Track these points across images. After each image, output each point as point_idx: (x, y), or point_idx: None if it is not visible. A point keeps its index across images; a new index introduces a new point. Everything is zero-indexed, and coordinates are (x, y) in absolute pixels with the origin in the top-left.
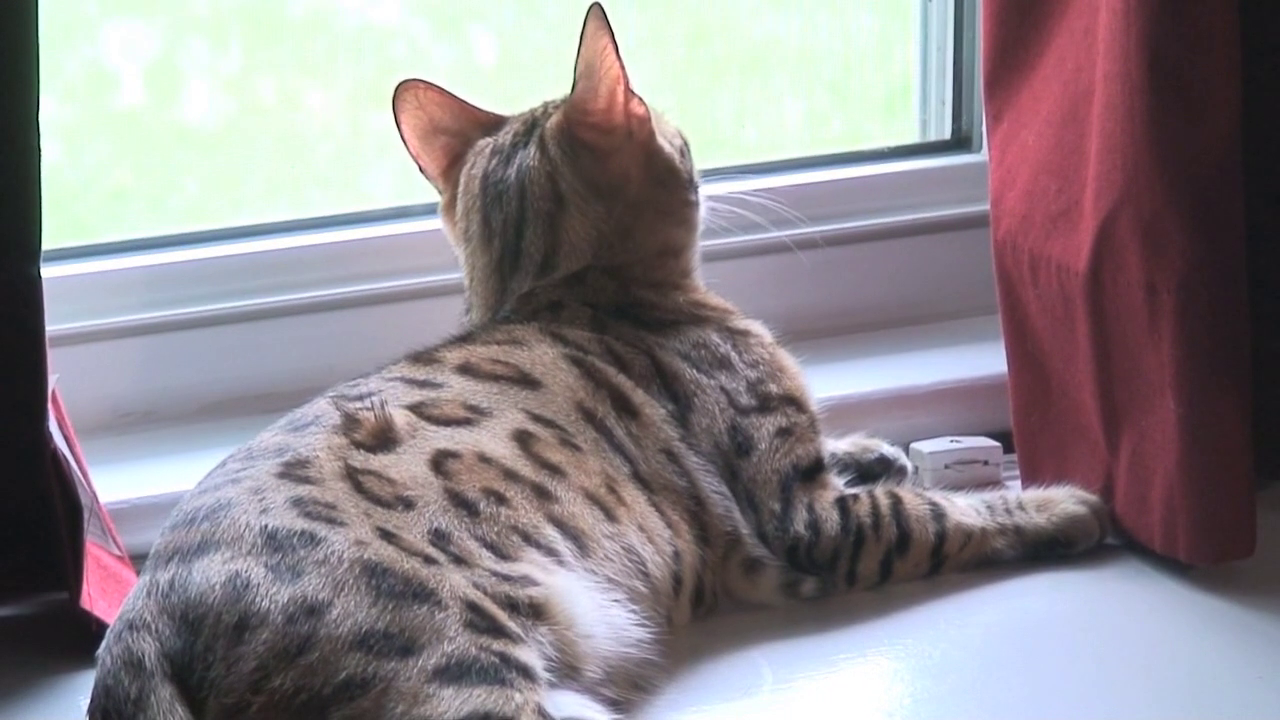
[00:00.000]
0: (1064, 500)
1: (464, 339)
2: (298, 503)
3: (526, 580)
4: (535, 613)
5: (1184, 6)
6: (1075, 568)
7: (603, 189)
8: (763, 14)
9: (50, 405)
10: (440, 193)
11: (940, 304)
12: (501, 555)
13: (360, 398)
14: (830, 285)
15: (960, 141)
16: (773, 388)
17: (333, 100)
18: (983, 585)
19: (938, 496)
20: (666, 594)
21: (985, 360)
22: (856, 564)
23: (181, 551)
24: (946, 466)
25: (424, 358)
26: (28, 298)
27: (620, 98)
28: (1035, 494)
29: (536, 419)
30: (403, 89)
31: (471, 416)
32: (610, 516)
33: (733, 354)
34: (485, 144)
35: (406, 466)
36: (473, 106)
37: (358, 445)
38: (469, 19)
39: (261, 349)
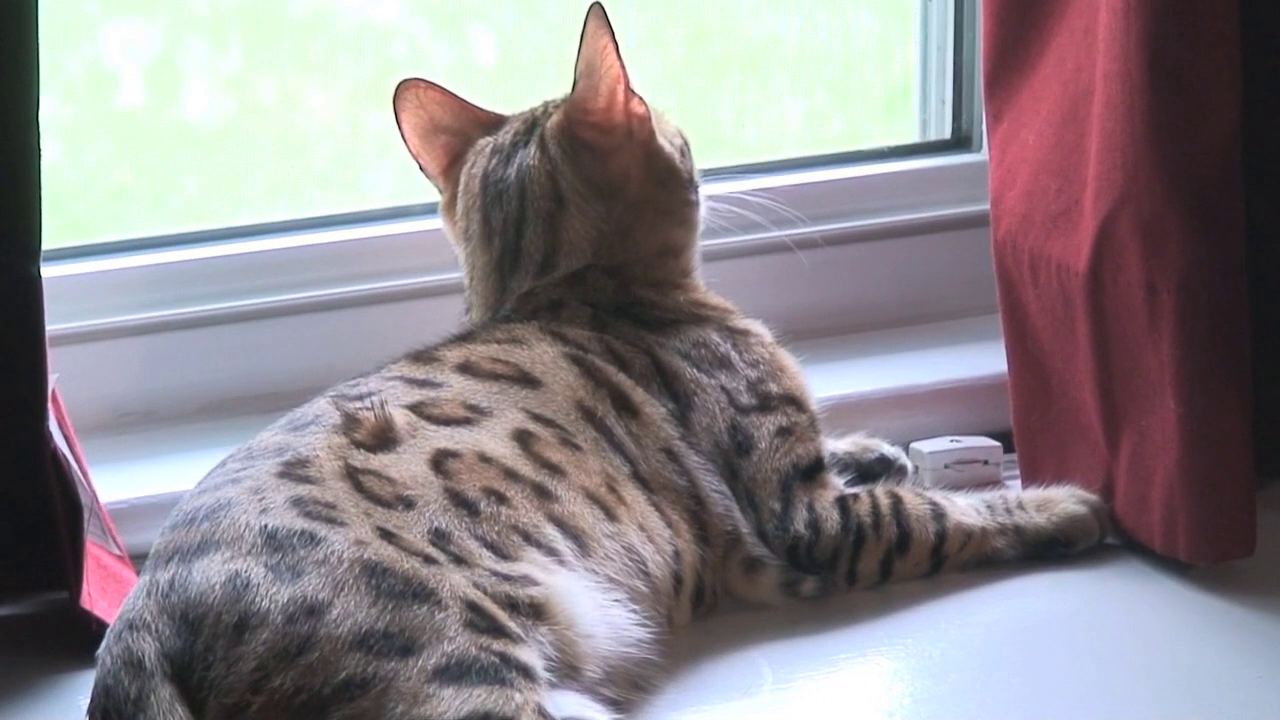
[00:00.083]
0: (1064, 500)
1: (464, 338)
2: (298, 502)
3: (527, 580)
4: (535, 612)
5: (1184, 6)
6: (1075, 568)
7: (603, 188)
8: (763, 14)
9: (50, 405)
10: (440, 192)
11: (940, 304)
12: (502, 555)
13: (360, 397)
14: (830, 285)
15: (960, 141)
16: (773, 387)
17: (333, 100)
18: (983, 585)
19: (938, 496)
20: (667, 593)
21: (985, 360)
22: (857, 563)
23: (181, 551)
24: (946, 466)
25: (424, 357)
26: (28, 297)
27: (620, 97)
28: (1035, 494)
29: (536, 418)
30: (403, 88)
31: (471, 416)
32: (610, 516)
33: (733, 353)
34: (485, 143)
35: (406, 466)
36: (473, 106)
37: (358, 445)
38: (469, 19)
39: (261, 349)
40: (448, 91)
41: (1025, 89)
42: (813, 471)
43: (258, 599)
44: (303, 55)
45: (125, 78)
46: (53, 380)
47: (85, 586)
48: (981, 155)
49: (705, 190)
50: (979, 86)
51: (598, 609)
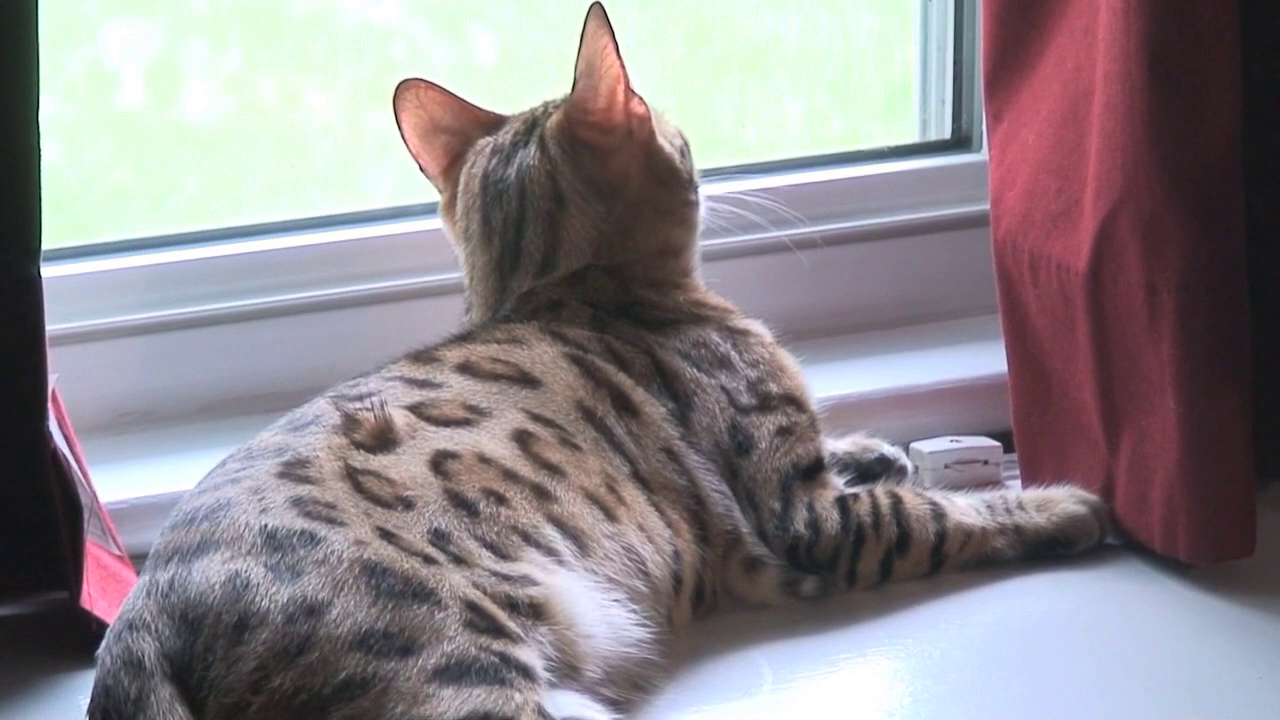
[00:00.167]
0: (1064, 500)
1: (464, 338)
2: (297, 502)
3: (526, 580)
4: (535, 612)
5: (1184, 6)
6: (1075, 568)
7: (603, 188)
8: (763, 14)
9: (50, 405)
10: (440, 192)
11: (940, 304)
12: (501, 555)
13: (360, 398)
14: (830, 285)
15: (960, 141)
16: (773, 387)
17: (333, 100)
18: (983, 585)
19: (938, 496)
20: (666, 593)
21: (985, 360)
22: (857, 563)
23: (181, 551)
24: (946, 466)
25: (424, 357)
26: (28, 297)
27: (620, 97)
28: (1035, 494)
29: (536, 418)
30: (403, 88)
31: (471, 417)
32: (610, 516)
33: (733, 353)
34: (485, 143)
35: (406, 467)
36: (473, 106)
37: (357, 445)
38: (469, 19)
39: (261, 349)
40: (448, 91)
41: (1025, 89)
42: (813, 471)
43: (257, 599)
44: (303, 55)
45: (125, 78)
46: (53, 380)
47: (85, 586)
48: (981, 155)
49: (705, 190)
50: (979, 86)
51: (597, 609)
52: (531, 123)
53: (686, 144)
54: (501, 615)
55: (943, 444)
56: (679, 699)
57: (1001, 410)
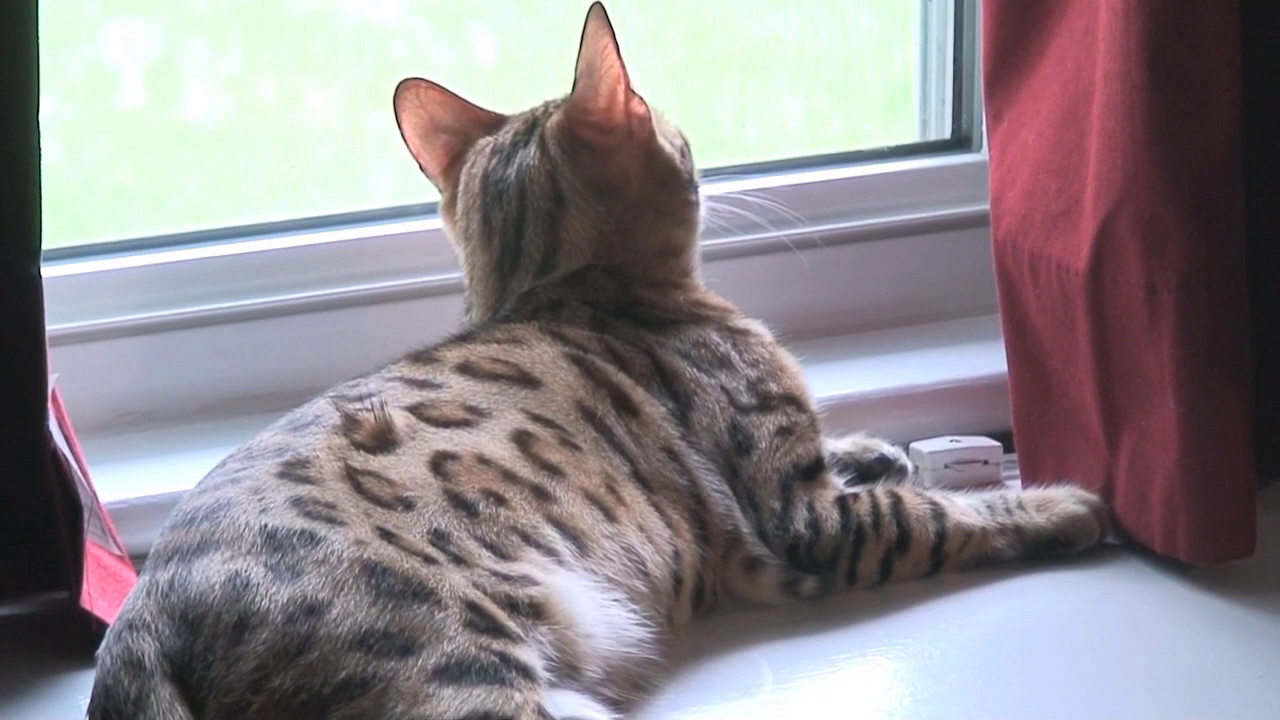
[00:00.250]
0: (1064, 500)
1: (464, 338)
2: (297, 502)
3: (526, 580)
4: (535, 612)
5: (1184, 6)
6: (1075, 568)
7: (603, 188)
8: (763, 14)
9: (50, 405)
10: (440, 191)
11: (940, 304)
12: (501, 555)
13: (360, 398)
14: (830, 285)
15: (960, 141)
16: (773, 387)
17: (333, 100)
18: (983, 585)
19: (938, 496)
20: (666, 593)
21: (985, 360)
22: (857, 563)
23: (181, 551)
24: (946, 466)
25: (424, 357)
26: (28, 297)
27: (621, 97)
28: (1035, 494)
29: (536, 419)
30: (404, 87)
31: (470, 418)
32: (610, 516)
33: (733, 353)
34: (486, 143)
35: (406, 468)
36: (473, 105)
37: (357, 446)
38: (469, 19)
39: (261, 349)
40: (448, 91)
41: (1025, 89)
42: (813, 471)
43: (257, 598)
44: (303, 55)
45: (125, 78)
46: (53, 380)
47: (85, 586)
48: (981, 155)
49: (705, 190)
50: (979, 86)
51: (597, 609)
52: (532, 123)
53: (687, 144)
54: (501, 615)
55: (943, 444)
56: (679, 699)
57: (1001, 410)
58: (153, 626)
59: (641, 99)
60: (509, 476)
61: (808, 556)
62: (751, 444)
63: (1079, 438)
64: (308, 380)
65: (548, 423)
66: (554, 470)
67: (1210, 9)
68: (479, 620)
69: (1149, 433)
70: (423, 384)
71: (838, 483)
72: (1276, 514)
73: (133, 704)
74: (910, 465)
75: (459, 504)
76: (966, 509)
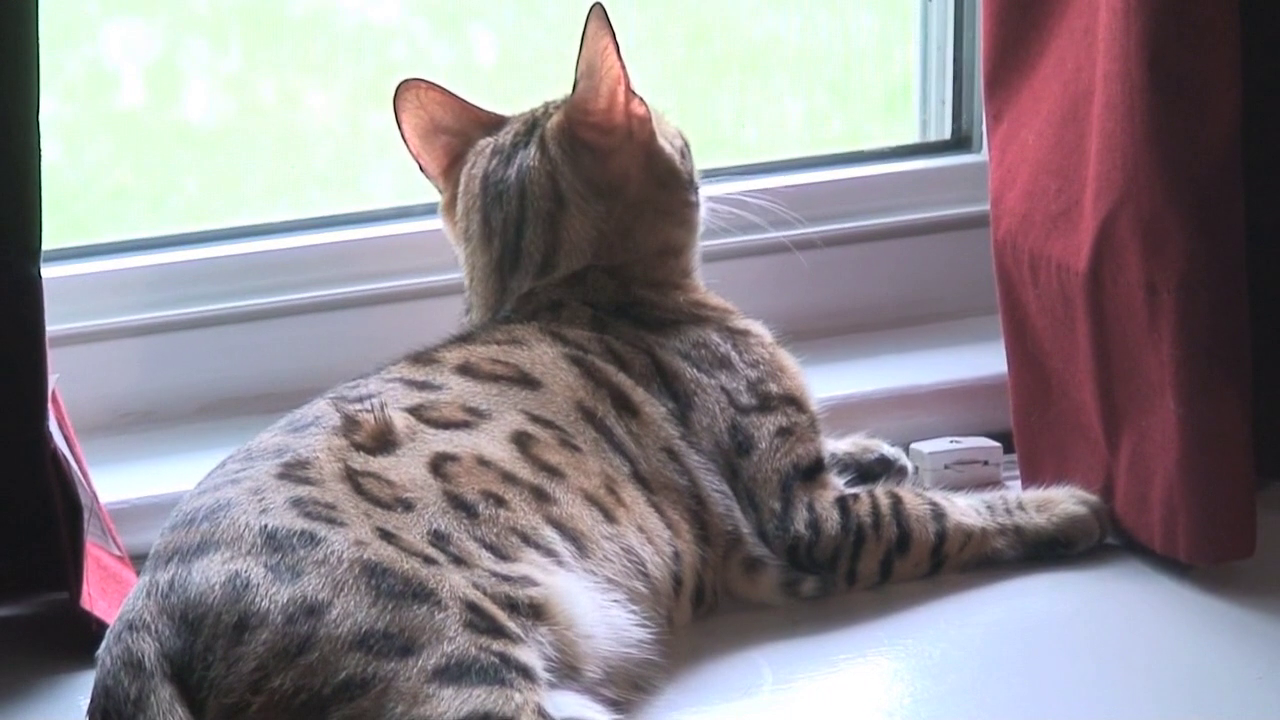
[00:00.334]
0: (1064, 500)
1: (464, 339)
2: (297, 503)
3: (526, 580)
4: (535, 613)
5: (1184, 6)
6: (1075, 568)
7: (603, 189)
8: (763, 14)
9: (50, 405)
10: (440, 192)
11: (940, 304)
12: (501, 556)
13: (360, 399)
14: (830, 285)
15: (960, 141)
16: (773, 387)
17: (333, 100)
18: (983, 585)
19: (938, 496)
20: (666, 594)
21: (985, 360)
22: (857, 563)
23: (181, 552)
24: (946, 467)
25: (424, 358)
26: (28, 298)
27: (621, 98)
28: (1035, 494)
29: (536, 420)
30: (404, 88)
31: (470, 419)
32: (609, 517)
33: (733, 353)
34: (486, 144)
35: (406, 469)
36: (474, 106)
37: (357, 447)
38: (469, 19)
39: (261, 349)
40: (448, 92)
41: (1025, 89)
42: (813, 472)
43: (257, 599)
44: (303, 55)
45: (125, 78)
46: (53, 381)
47: (85, 587)
48: (981, 155)
49: (705, 191)
50: (979, 86)
51: (597, 609)
52: (532, 123)
53: (687, 145)
54: (501, 616)
55: (943, 444)
56: (679, 699)
57: (1001, 410)
58: (153, 627)
59: (641, 100)
60: (508, 478)
61: (808, 557)
62: (751, 444)
63: (1079, 438)
64: (308, 381)
65: (547, 424)
66: (554, 471)
67: (1210, 9)
68: (479, 621)
69: (1149, 433)
70: (423, 385)
71: (838, 483)
72: (1276, 514)
73: (133, 704)
74: (910, 466)
75: (459, 505)
76: (966, 509)
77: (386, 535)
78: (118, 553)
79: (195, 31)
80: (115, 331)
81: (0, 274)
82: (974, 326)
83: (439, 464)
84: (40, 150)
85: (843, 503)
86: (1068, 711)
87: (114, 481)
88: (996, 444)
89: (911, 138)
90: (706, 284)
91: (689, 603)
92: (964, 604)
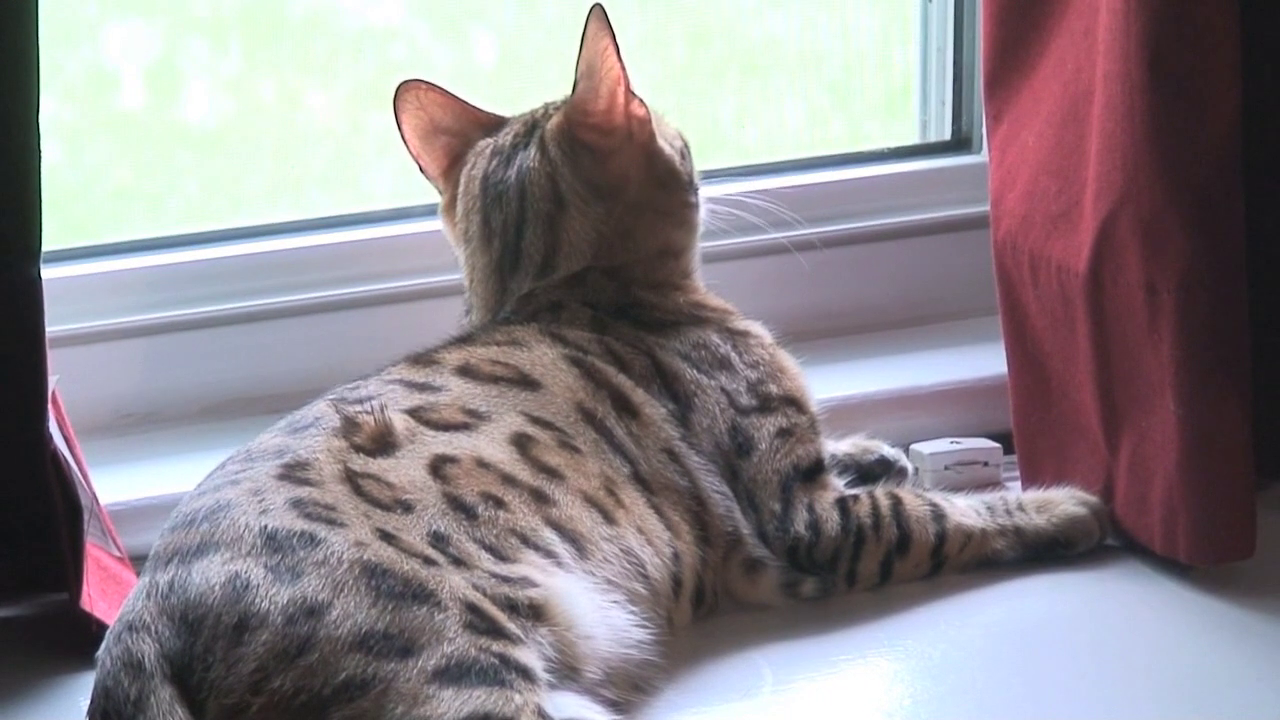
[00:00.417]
0: (1064, 501)
1: (464, 340)
2: (297, 504)
3: (526, 581)
4: (535, 614)
5: (1184, 6)
6: (1075, 568)
7: (603, 190)
8: (763, 14)
9: (50, 406)
10: (440, 193)
11: (940, 304)
12: (500, 557)
13: (360, 401)
14: (830, 286)
15: (960, 142)
16: (773, 388)
17: (333, 101)
18: (983, 586)
19: (938, 497)
20: (666, 595)
21: (985, 360)
22: (857, 564)
23: (181, 553)
24: (946, 468)
25: (423, 359)
26: (28, 298)
27: (621, 99)
28: (1035, 495)
29: (535, 421)
30: (404, 89)
31: (470, 421)
32: (609, 519)
33: (733, 354)
34: (485, 145)
35: (405, 471)
36: (474, 107)
37: (357, 449)
38: (469, 19)
39: (262, 350)
40: (448, 93)
41: (1025, 90)
42: (813, 473)
43: (257, 600)
44: (303, 56)
45: (125, 79)
46: (53, 382)
47: (85, 588)
48: (981, 156)
49: (705, 192)
50: (979, 87)
51: (597, 610)
52: (532, 124)
53: (686, 146)
54: (501, 617)
55: (943, 445)
56: (679, 700)
57: (1002, 411)
58: (153, 628)
59: (641, 101)
60: (508, 479)
61: (808, 558)
62: (751, 445)
63: (1079, 439)
64: (308, 382)
65: (547, 425)
66: (553, 473)
67: (1210, 9)
68: (479, 622)
69: (1149, 434)
70: (422, 387)
71: (838, 484)
72: (1276, 514)
73: (133, 705)
74: (910, 467)
75: (458, 507)
76: (966, 510)
77: (386, 536)
78: (118, 553)
79: (195, 32)
80: (115, 332)
81: (0, 275)
82: (974, 327)
83: (438, 466)
84: (40, 151)
85: (843, 504)
86: (1068, 712)
87: (114, 482)
88: (996, 445)
89: (912, 138)
90: (707, 285)
91: (689, 604)
92: (964, 604)
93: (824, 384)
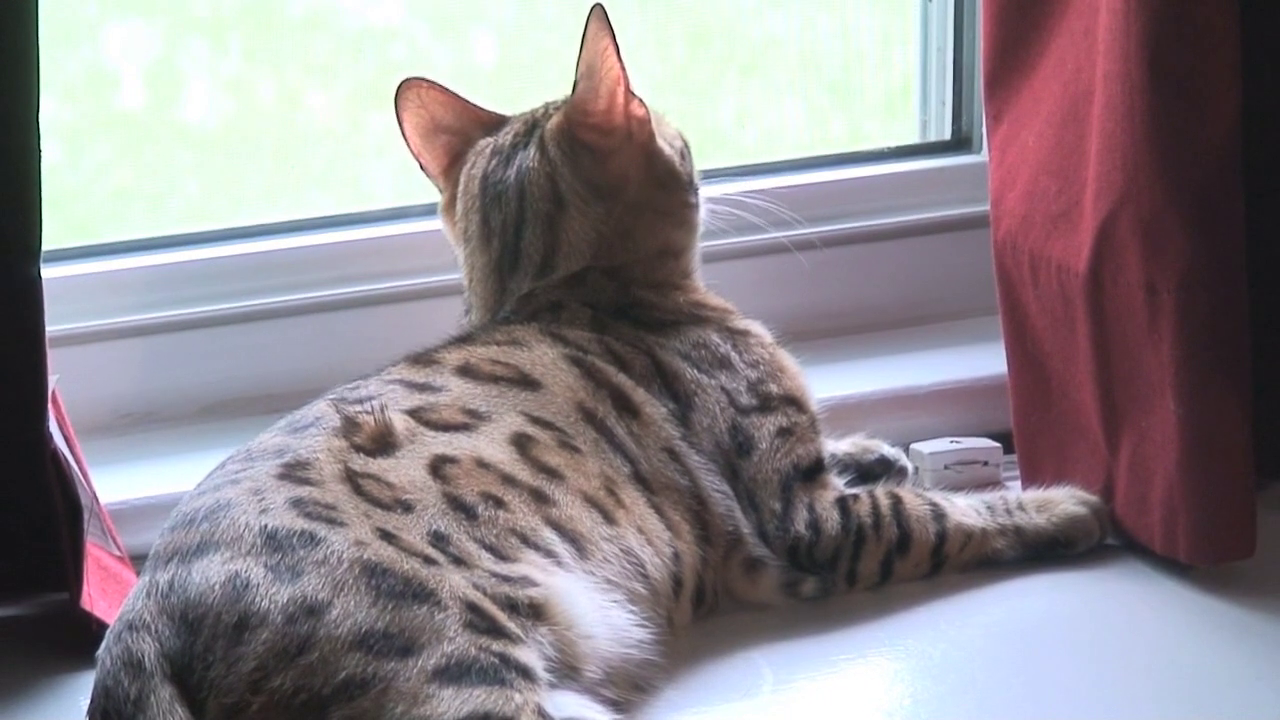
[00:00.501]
0: (1064, 501)
1: (464, 340)
2: (297, 503)
3: (526, 581)
4: (535, 613)
5: (1184, 6)
6: (1075, 568)
7: (602, 190)
8: (763, 14)
9: (50, 406)
10: (440, 192)
11: (940, 304)
12: (500, 557)
13: (360, 401)
14: (830, 286)
15: (960, 142)
16: (773, 388)
17: (332, 100)
18: (983, 585)
19: (938, 497)
20: (666, 595)
21: (985, 360)
22: (857, 564)
23: (181, 552)
24: (946, 467)
25: (423, 359)
26: (28, 298)
27: (620, 99)
28: (1035, 494)
29: (535, 421)
30: (405, 87)
31: (470, 421)
32: (609, 519)
33: (733, 354)
34: (486, 144)
35: (405, 471)
36: (475, 106)
37: (357, 449)
38: (469, 19)
39: (261, 350)
40: (449, 91)
41: (1025, 90)
42: (813, 472)
43: (257, 599)
44: (303, 56)
45: (125, 79)
46: (53, 381)
47: (85, 587)
48: (981, 156)
49: (705, 192)
50: (979, 87)
51: (597, 610)
52: (532, 124)
53: (687, 146)
54: (501, 616)
55: (943, 445)
56: (679, 700)
57: (1001, 411)
58: (153, 627)
59: (641, 101)
60: (508, 480)
61: (808, 557)
62: (752, 445)
63: (1079, 439)
64: (308, 382)
65: (547, 425)
66: (553, 473)
67: (1210, 9)
68: (479, 621)
69: (1149, 434)
70: (422, 387)
71: (838, 484)
72: (1276, 514)
73: (133, 705)
74: (910, 466)
75: (458, 506)
76: (967, 510)
77: (386, 536)
78: (118, 553)
79: (195, 32)
80: (115, 332)
81: (0, 275)
82: (974, 326)
83: (438, 466)
84: (40, 151)
85: (843, 503)
86: (1068, 711)
87: (114, 482)
88: (996, 444)
89: (912, 138)
90: (707, 284)
91: (689, 603)
92: (964, 604)
93: (824, 384)
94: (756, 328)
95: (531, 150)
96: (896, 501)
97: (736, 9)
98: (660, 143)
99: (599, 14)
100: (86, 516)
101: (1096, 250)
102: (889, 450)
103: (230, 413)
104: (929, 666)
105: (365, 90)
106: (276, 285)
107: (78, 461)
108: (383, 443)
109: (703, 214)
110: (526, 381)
